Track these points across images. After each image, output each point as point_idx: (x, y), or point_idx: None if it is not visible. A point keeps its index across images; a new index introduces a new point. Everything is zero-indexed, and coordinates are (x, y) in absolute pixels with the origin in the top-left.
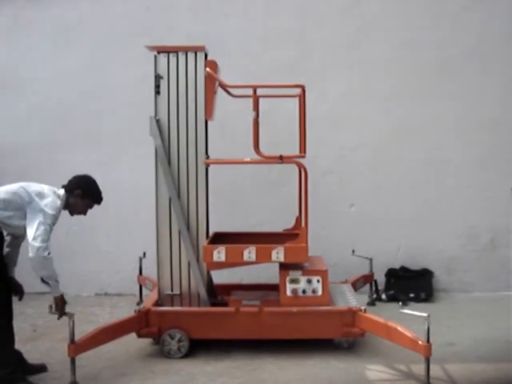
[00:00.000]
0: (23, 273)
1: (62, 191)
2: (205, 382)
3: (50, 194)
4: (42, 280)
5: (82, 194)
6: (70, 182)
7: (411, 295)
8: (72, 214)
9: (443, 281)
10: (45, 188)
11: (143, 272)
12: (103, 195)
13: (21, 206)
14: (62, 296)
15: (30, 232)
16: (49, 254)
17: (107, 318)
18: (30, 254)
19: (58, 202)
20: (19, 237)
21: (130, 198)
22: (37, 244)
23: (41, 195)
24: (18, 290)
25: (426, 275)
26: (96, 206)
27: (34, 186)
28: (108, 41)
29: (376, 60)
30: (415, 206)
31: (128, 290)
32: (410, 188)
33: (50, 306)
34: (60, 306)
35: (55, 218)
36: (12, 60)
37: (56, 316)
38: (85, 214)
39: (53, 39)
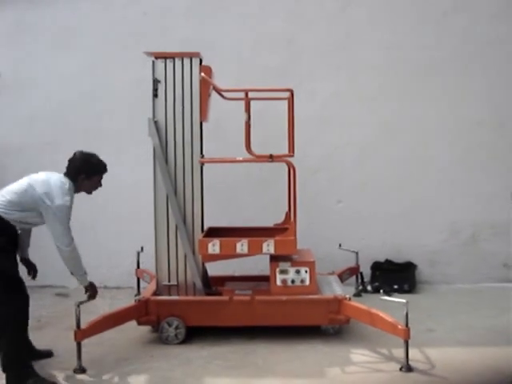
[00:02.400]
0: (21, 267)
1: (67, 181)
2: (201, 364)
3: (58, 191)
4: (72, 273)
5: (86, 176)
6: (68, 168)
7: (395, 287)
8: (88, 193)
9: (426, 273)
10: (51, 184)
11: (141, 265)
12: (103, 195)
13: (34, 207)
14: (91, 284)
15: (53, 234)
16: (73, 249)
17: (107, 309)
18: (60, 254)
19: (67, 198)
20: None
21: (128, 196)
22: (60, 245)
23: (49, 196)
24: (32, 269)
25: (409, 268)
26: (96, 205)
27: (40, 186)
28: (107, 44)
29: (363, 62)
30: (400, 203)
31: (126, 283)
32: (395, 185)
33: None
34: (91, 292)
35: (69, 211)
36: (14, 62)
37: (58, 308)
38: (100, 186)
39: (53, 42)
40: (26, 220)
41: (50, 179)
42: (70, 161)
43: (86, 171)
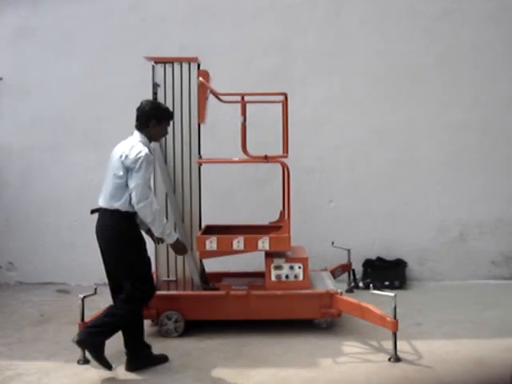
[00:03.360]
0: (23, 265)
1: (138, 136)
2: (199, 356)
3: (134, 145)
4: (157, 238)
5: (157, 120)
6: (139, 118)
7: (386, 283)
8: (157, 140)
9: (416, 270)
10: (128, 148)
11: None
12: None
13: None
14: (177, 241)
15: (132, 196)
16: (156, 207)
17: (107, 305)
18: (140, 213)
19: (142, 148)
20: None
21: None
22: (140, 204)
23: (128, 157)
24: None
25: (399, 265)
26: (95, 204)
27: (119, 156)
28: (107, 49)
29: (354, 68)
30: (390, 202)
31: None
32: (384, 185)
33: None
34: (179, 248)
35: (148, 165)
36: (16, 66)
37: (59, 303)
38: (167, 133)
39: (55, 47)
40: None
41: (125, 146)
42: (140, 109)
43: (156, 116)
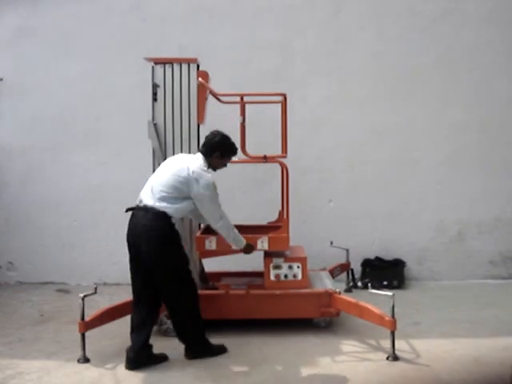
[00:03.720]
0: (23, 265)
1: (202, 160)
2: None
3: (201, 173)
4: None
5: (221, 154)
6: (205, 145)
7: (385, 283)
8: (214, 170)
9: (414, 270)
10: (192, 168)
11: None
12: (102, 194)
13: (186, 194)
14: (247, 244)
15: (207, 217)
16: (226, 219)
17: (107, 305)
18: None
19: (209, 177)
20: None
21: (127, 195)
22: (218, 225)
23: (196, 179)
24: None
25: (398, 265)
26: (96, 204)
27: (182, 174)
28: (107, 49)
29: (353, 68)
30: (389, 202)
31: (125, 279)
32: (383, 185)
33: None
34: (248, 249)
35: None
36: (16, 67)
37: (59, 303)
38: (225, 167)
39: (55, 47)
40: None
41: (190, 164)
42: (208, 138)
43: (222, 150)
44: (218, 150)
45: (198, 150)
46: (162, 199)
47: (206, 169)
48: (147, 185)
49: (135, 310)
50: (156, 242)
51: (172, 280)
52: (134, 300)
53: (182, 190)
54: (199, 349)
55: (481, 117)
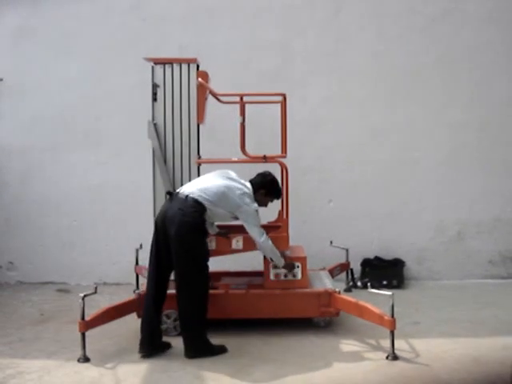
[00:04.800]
0: (23, 265)
1: (252, 195)
2: None
3: (249, 200)
4: (271, 259)
5: (266, 193)
6: (255, 180)
7: (384, 282)
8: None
9: (414, 270)
10: (243, 191)
11: (139, 262)
12: (102, 194)
13: (230, 208)
14: (287, 263)
15: (253, 234)
16: (268, 239)
17: (107, 304)
18: (262, 249)
19: (255, 205)
20: None
21: (127, 195)
22: (261, 240)
23: (243, 198)
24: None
25: (398, 265)
26: (96, 204)
27: (235, 190)
28: (107, 49)
29: (353, 68)
30: (388, 202)
31: (125, 279)
32: (383, 185)
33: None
34: (289, 268)
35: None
36: (16, 67)
37: (59, 303)
38: (266, 206)
39: (55, 47)
40: (217, 218)
41: (243, 187)
42: (261, 175)
43: (267, 189)
44: (264, 189)
45: (251, 182)
46: (203, 197)
47: (253, 197)
48: (192, 183)
49: (147, 298)
50: (187, 228)
51: (191, 268)
52: (148, 288)
53: (227, 203)
54: (199, 347)
55: (481, 117)
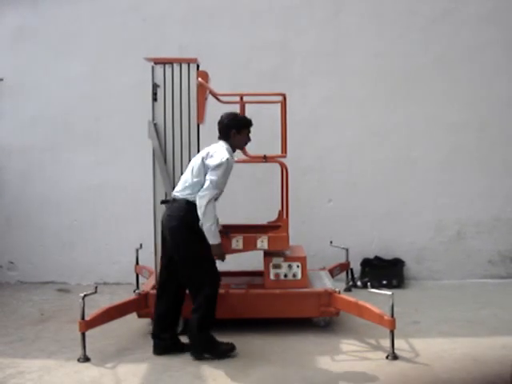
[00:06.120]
0: (24, 264)
1: (224, 145)
2: None
3: (218, 149)
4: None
5: (237, 130)
6: (220, 130)
7: (384, 282)
8: (241, 148)
9: (413, 269)
10: (213, 150)
11: (139, 262)
12: (102, 194)
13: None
14: (216, 245)
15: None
16: (212, 206)
17: (107, 304)
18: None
19: (226, 153)
20: None
21: (127, 195)
22: (202, 193)
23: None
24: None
25: (397, 264)
26: (96, 204)
27: (205, 156)
28: (107, 49)
29: (353, 68)
30: (388, 201)
31: (125, 279)
32: (382, 185)
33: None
34: (216, 253)
35: (226, 170)
36: (16, 67)
37: (60, 302)
38: (249, 140)
39: (55, 47)
40: None
41: (210, 149)
42: (220, 122)
43: (235, 126)
44: (233, 128)
45: (218, 138)
46: (185, 188)
47: (227, 148)
48: (180, 179)
49: (158, 301)
50: (177, 232)
51: (194, 269)
52: (157, 290)
53: (200, 172)
54: (206, 348)
55: (480, 117)
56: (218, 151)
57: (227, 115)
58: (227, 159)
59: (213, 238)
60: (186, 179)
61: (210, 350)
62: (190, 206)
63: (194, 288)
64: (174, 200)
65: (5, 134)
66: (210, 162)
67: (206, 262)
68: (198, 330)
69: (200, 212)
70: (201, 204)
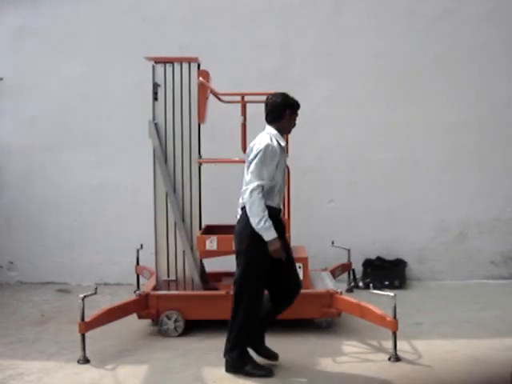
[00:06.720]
0: (24, 265)
1: (271, 131)
2: (199, 355)
3: (260, 140)
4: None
5: (291, 110)
6: (272, 111)
7: (386, 283)
8: (289, 132)
9: (415, 270)
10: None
11: (140, 262)
12: (104, 194)
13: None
14: (272, 240)
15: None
16: (260, 199)
17: (107, 305)
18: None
19: (266, 140)
20: None
21: (128, 195)
22: (245, 187)
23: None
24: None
25: (399, 265)
26: (96, 204)
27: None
28: (107, 49)
29: (353, 68)
30: (389, 202)
31: (125, 279)
32: (384, 185)
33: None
34: (272, 250)
35: (270, 155)
36: (16, 66)
37: (60, 303)
38: (295, 126)
39: (55, 47)
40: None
41: (254, 141)
42: (271, 103)
43: (290, 106)
44: (288, 108)
45: (267, 121)
46: (242, 194)
47: (272, 133)
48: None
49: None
50: (238, 241)
51: (242, 275)
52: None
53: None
54: (238, 367)
55: (481, 117)
56: (257, 142)
57: (278, 95)
58: (266, 145)
59: (265, 234)
60: (244, 180)
61: (239, 368)
62: (244, 213)
63: (236, 298)
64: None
65: (5, 134)
66: (250, 156)
67: (254, 276)
68: (231, 346)
69: (247, 209)
70: (244, 201)
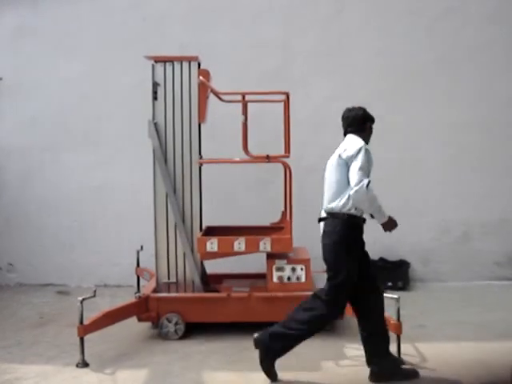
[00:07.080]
0: (23, 266)
1: (360, 142)
2: (200, 359)
3: (351, 143)
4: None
5: (371, 123)
6: (353, 123)
7: (389, 284)
8: (368, 143)
9: (419, 271)
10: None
11: (140, 264)
12: (102, 194)
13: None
14: (388, 219)
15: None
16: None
17: (107, 307)
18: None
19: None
20: None
21: (128, 196)
22: (355, 187)
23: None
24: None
25: (403, 266)
26: (96, 205)
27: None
28: (107, 48)
29: (355, 67)
30: (392, 202)
31: (126, 281)
32: (387, 185)
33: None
34: (390, 225)
35: (368, 156)
36: (16, 66)
37: (59, 305)
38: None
39: (54, 46)
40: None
41: (344, 143)
42: (352, 115)
43: (370, 119)
44: (369, 121)
45: (348, 132)
46: (330, 200)
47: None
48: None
49: None
50: (327, 250)
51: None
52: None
53: (341, 169)
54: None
55: (483, 116)
56: (351, 142)
57: (357, 108)
58: (364, 145)
59: (381, 218)
60: (328, 187)
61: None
62: (336, 217)
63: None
64: (326, 218)
65: (4, 134)
66: (349, 153)
67: (342, 285)
68: (270, 340)
69: (365, 206)
70: (360, 199)
